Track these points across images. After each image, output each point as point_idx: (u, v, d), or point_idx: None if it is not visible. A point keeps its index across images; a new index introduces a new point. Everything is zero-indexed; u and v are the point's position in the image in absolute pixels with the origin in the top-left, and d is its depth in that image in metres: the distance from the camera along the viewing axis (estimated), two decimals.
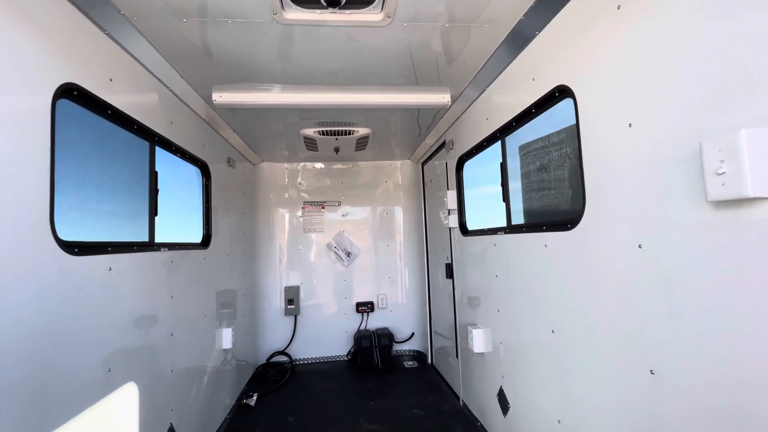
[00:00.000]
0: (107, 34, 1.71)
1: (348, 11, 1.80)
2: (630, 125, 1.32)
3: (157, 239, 2.21)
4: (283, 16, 1.78)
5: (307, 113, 3.17)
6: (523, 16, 1.85)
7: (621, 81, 1.36)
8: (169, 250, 2.31)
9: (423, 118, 3.39)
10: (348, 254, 4.89)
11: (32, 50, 1.31)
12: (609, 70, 1.42)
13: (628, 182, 1.35)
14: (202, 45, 2.00)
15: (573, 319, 1.69)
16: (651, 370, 1.27)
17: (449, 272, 3.61)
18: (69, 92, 1.48)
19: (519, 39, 2.00)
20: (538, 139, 2.13)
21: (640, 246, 1.30)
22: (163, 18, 1.75)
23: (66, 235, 1.46)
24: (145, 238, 2.12)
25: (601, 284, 1.50)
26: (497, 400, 2.53)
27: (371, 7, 1.77)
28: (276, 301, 4.75)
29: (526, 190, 2.32)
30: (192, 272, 2.64)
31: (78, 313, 1.49)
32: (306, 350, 4.74)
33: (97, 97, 1.63)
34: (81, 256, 1.51)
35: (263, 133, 3.66)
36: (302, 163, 4.92)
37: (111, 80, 1.74)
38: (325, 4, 1.73)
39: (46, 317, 1.33)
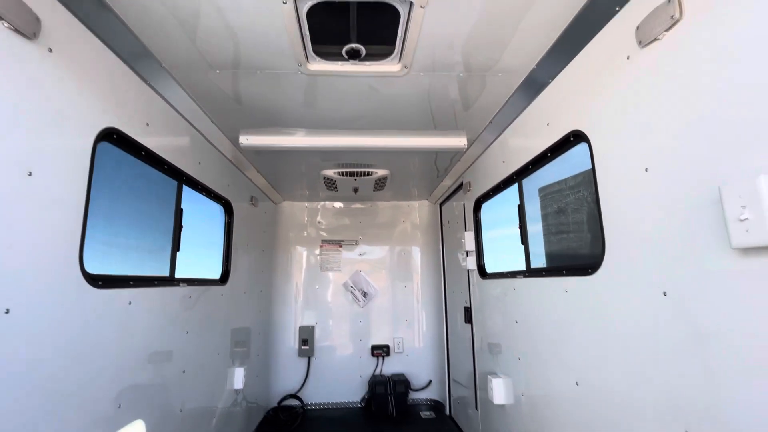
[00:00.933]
0: (148, 84, 1.88)
1: (368, 63, 1.92)
2: (646, 170, 1.31)
3: (178, 274, 2.27)
4: (308, 67, 1.91)
5: (328, 155, 3.29)
6: (536, 65, 1.92)
7: (635, 126, 1.37)
8: (188, 285, 2.35)
9: (441, 161, 3.46)
10: (364, 294, 4.84)
11: (82, 97, 1.45)
12: (622, 115, 1.44)
13: (648, 227, 1.32)
14: (232, 93, 2.16)
15: (598, 370, 1.59)
16: None
17: (468, 316, 3.49)
18: (109, 135, 1.61)
19: (533, 86, 2.07)
20: (554, 183, 2.13)
21: (664, 293, 1.24)
22: (199, 69, 1.92)
23: (92, 268, 1.52)
24: (166, 273, 2.18)
25: (626, 334, 1.42)
26: None
27: (389, 58, 1.89)
28: (290, 341, 4.68)
29: (545, 233, 2.28)
30: (209, 308, 2.67)
31: (96, 346, 1.52)
32: (319, 394, 4.57)
33: (134, 140, 1.76)
34: (104, 289, 1.56)
35: (286, 173, 3.80)
36: (322, 203, 5.03)
37: (148, 125, 1.88)
38: (346, 56, 1.86)
39: (66, 347, 1.35)
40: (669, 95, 1.22)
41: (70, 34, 1.39)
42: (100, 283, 1.54)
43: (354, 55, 1.85)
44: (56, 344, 1.32)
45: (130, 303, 1.74)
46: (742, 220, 0.93)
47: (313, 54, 1.84)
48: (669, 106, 1.22)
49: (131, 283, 1.77)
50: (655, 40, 1.27)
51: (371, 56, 1.88)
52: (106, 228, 1.75)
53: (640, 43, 1.33)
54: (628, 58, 1.40)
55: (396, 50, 1.82)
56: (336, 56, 1.87)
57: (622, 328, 1.44)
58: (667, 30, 1.22)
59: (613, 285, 1.50)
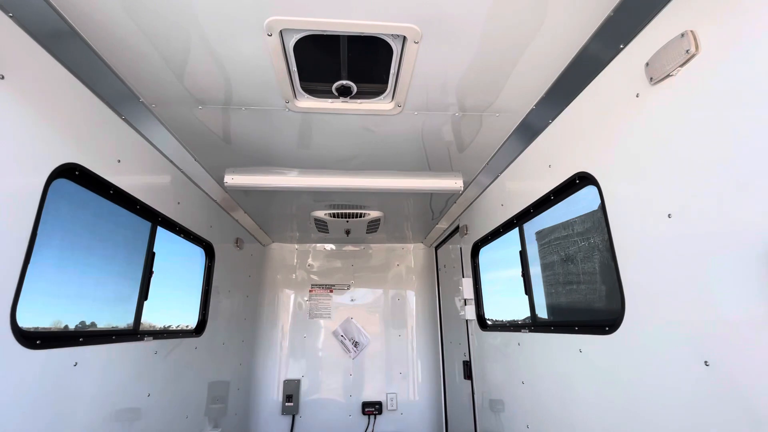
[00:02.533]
0: (123, 119, 1.76)
1: (359, 101, 1.82)
2: (670, 216, 1.16)
3: (145, 325, 2.02)
4: (295, 104, 1.81)
5: (319, 196, 3.16)
6: (534, 106, 1.84)
7: (653, 168, 1.24)
8: (155, 338, 2.09)
9: (436, 203, 3.33)
10: (356, 344, 4.50)
11: (37, 130, 1.30)
12: (637, 156, 1.31)
13: (677, 282, 1.14)
14: (216, 130, 2.05)
15: None
16: None
17: (467, 372, 3.19)
18: (69, 172, 1.45)
19: (532, 127, 1.98)
20: (559, 226, 1.97)
21: (706, 363, 1.04)
22: (180, 105, 1.81)
23: (31, 324, 1.30)
24: (130, 325, 1.93)
25: (658, 410, 1.19)
26: None
27: (382, 97, 1.79)
28: (273, 396, 4.27)
29: (551, 283, 2.09)
30: (179, 365, 2.38)
31: (26, 417, 1.25)
32: None
33: (101, 177, 1.60)
34: (42, 350, 1.32)
35: (275, 214, 3.64)
36: (313, 245, 4.83)
37: (119, 161, 1.73)
38: (336, 94, 1.76)
39: None
40: (690, 134, 1.10)
41: (30, 62, 1.27)
42: (37, 342, 1.30)
43: (345, 93, 1.75)
44: None
45: (76, 364, 1.48)
46: None
47: (301, 90, 1.74)
48: (692, 145, 1.09)
49: (81, 339, 1.53)
50: (669, 76, 1.17)
51: (363, 94, 1.78)
52: (56, 275, 1.54)
53: (651, 79, 1.23)
54: (637, 96, 1.29)
55: (389, 88, 1.73)
56: (325, 93, 1.77)
57: (652, 402, 1.22)
58: (681, 65, 1.12)
59: (639, 349, 1.29)
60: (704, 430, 1.04)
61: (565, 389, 1.74)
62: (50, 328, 1.50)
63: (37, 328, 1.42)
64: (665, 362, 1.18)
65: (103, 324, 1.80)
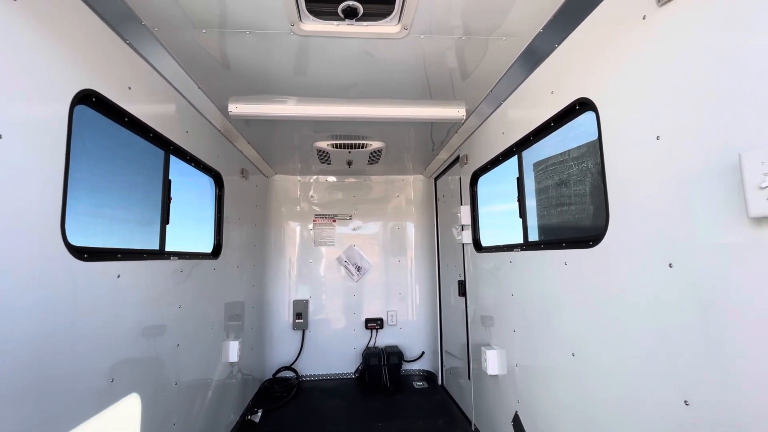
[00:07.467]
0: (128, 44, 1.74)
1: (365, 23, 1.80)
2: (658, 138, 1.26)
3: (168, 248, 2.20)
4: (301, 27, 1.79)
5: (320, 126, 3.18)
6: (542, 29, 1.82)
7: (648, 92, 1.31)
8: (179, 259, 2.29)
9: (437, 133, 3.37)
10: (358, 269, 4.83)
11: (54, 57, 1.33)
12: (634, 81, 1.38)
13: (655, 197, 1.28)
14: (220, 56, 2.03)
15: (596, 342, 1.60)
16: (685, 401, 1.17)
17: (462, 290, 3.51)
18: (87, 98, 1.50)
19: (537, 52, 1.98)
20: (557, 154, 2.07)
21: (670, 265, 1.22)
22: (184, 29, 1.78)
23: (76, 241, 1.44)
24: (156, 246, 2.11)
25: (628, 306, 1.41)
26: (512, 426, 2.40)
27: (388, 19, 1.77)
28: (284, 315, 4.69)
29: (545, 206, 2.25)
30: (201, 282, 2.62)
31: (84, 320, 1.46)
32: (313, 366, 4.64)
33: (115, 104, 1.65)
34: (90, 262, 1.49)
35: (277, 145, 3.68)
36: (315, 176, 4.93)
37: (129, 88, 1.75)
38: (342, 15, 1.73)
39: (52, 322, 1.30)
40: (690, 57, 1.15)
41: None
42: (85, 255, 1.47)
43: (351, 14, 1.73)
44: (41, 318, 1.26)
45: (119, 276, 1.67)
46: (762, 188, 0.89)
47: (306, 12, 1.71)
48: (689, 69, 1.16)
49: (119, 256, 1.70)
50: None
51: (369, 16, 1.76)
52: (91, 199, 1.66)
53: (658, 0, 1.25)
54: (644, 18, 1.32)
55: (396, 8, 1.70)
56: (331, 15, 1.75)
57: (623, 300, 1.43)
58: None
59: (616, 257, 1.48)
60: (663, 320, 1.25)
61: (549, 297, 1.98)
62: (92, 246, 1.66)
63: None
64: (637, 267, 1.37)
65: (132, 245, 1.97)
